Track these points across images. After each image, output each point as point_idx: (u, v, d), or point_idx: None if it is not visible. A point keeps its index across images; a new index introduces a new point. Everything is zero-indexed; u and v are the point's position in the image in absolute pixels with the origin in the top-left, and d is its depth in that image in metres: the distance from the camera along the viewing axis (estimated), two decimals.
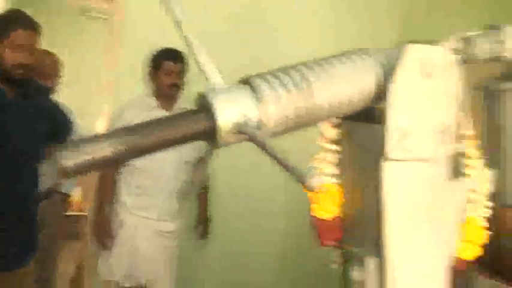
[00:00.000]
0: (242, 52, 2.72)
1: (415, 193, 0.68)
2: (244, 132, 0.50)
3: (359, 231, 0.72)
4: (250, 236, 2.87)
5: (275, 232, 2.92)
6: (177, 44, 1.54)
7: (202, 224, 2.51)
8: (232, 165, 2.59)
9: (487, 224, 0.74)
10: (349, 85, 0.60)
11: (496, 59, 0.88)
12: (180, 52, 2.19)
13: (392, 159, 0.64)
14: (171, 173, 2.24)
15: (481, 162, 0.73)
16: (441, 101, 0.67)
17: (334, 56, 0.62)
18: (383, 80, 0.63)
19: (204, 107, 0.54)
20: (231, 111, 0.52)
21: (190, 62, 2.16)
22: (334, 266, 0.80)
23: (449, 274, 0.75)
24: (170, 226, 2.39)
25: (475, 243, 0.75)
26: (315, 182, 0.43)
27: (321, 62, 0.60)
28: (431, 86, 0.65)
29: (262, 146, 0.48)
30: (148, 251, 2.33)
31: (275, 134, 0.54)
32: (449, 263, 0.75)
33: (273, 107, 0.53)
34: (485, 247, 0.79)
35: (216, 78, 0.55)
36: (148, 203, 2.28)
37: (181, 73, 2.24)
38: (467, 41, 0.80)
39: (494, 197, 0.93)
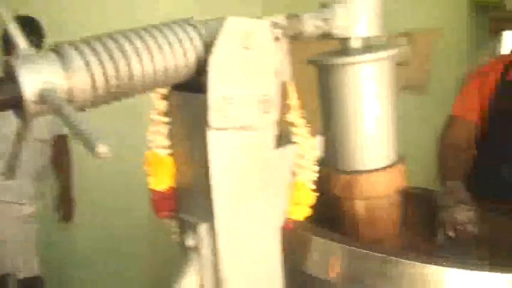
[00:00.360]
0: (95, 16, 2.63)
1: (240, 160, 0.71)
2: (48, 102, 0.48)
3: (191, 200, 0.74)
4: (118, 218, 2.80)
5: (144, 215, 2.89)
6: None
7: (64, 205, 2.41)
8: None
9: (314, 187, 0.80)
10: (168, 56, 0.60)
11: (326, 37, 0.94)
12: None
13: (215, 128, 0.66)
14: (25, 154, 2.11)
15: (307, 130, 0.78)
16: (262, 72, 0.70)
17: (155, 26, 0.62)
18: (204, 51, 0.64)
19: (10, 75, 0.51)
20: (35, 79, 0.49)
21: None
22: (175, 237, 0.81)
23: (281, 234, 0.81)
24: (30, 209, 2.28)
25: (305, 205, 0.81)
26: (102, 149, 0.42)
27: (140, 31, 0.60)
28: (251, 58, 0.68)
29: (65, 117, 0.47)
30: (9, 237, 2.21)
31: (86, 105, 0.53)
32: (281, 224, 0.81)
33: (82, 76, 0.52)
34: (318, 208, 0.85)
35: (24, 45, 0.52)
36: (5, 185, 2.15)
37: None
38: (295, 18, 0.85)
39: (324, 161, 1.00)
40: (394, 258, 0.78)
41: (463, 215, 1.27)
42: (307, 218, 0.84)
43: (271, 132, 0.75)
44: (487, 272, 0.78)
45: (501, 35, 3.12)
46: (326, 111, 0.97)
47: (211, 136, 0.66)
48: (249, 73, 0.69)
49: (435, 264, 0.78)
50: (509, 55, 1.78)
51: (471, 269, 0.78)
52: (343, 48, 0.93)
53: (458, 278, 0.78)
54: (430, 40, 3.08)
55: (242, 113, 0.69)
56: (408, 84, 3.21)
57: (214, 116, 0.65)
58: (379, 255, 0.80)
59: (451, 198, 1.35)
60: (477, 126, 1.77)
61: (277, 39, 0.78)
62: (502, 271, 0.78)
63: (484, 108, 1.76)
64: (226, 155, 0.70)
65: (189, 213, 0.73)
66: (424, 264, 0.77)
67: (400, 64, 3.11)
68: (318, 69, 0.96)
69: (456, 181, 1.47)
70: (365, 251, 0.81)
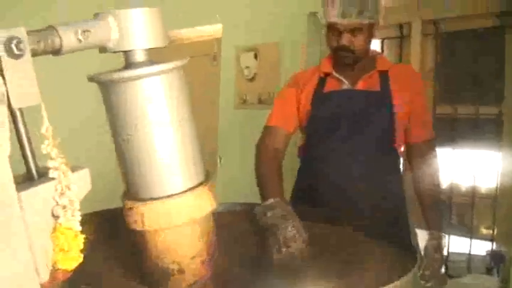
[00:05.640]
0: None
1: None
2: None
3: None
4: None
5: None
6: None
7: None
8: None
9: (80, 229, 0.65)
10: None
11: (103, 50, 0.81)
12: None
13: None
14: None
15: (63, 161, 0.63)
16: None
17: None
18: None
19: None
20: None
21: None
22: None
23: None
24: None
25: (73, 251, 0.65)
26: None
27: None
28: None
29: None
30: None
31: None
32: (46, 278, 0.65)
33: None
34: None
35: None
36: None
37: None
38: (50, 30, 0.70)
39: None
40: None
41: (290, 229, 1.22)
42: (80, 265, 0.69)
43: (6, 171, 0.59)
44: None
45: None
46: (113, 133, 0.83)
47: None
48: None
49: None
50: (323, 66, 1.77)
51: None
52: (125, 62, 0.81)
53: None
54: (276, 54, 3.11)
55: None
56: (261, 98, 3.22)
57: None
58: None
59: (274, 217, 1.29)
60: (291, 136, 1.76)
61: (16, 56, 0.63)
62: None
63: (302, 119, 1.74)
64: None
65: None
66: None
67: (250, 80, 3.09)
68: (100, 88, 0.82)
69: (276, 198, 1.40)
70: None
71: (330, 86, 1.72)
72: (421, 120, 1.71)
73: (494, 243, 2.42)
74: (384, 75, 1.69)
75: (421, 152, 1.70)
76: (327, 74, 1.74)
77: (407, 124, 1.68)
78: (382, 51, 2.98)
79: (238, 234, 1.33)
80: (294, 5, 3.05)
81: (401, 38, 2.90)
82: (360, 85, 1.69)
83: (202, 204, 0.84)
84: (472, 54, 2.64)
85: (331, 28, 1.62)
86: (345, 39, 1.61)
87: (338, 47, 1.64)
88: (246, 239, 1.30)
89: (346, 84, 1.71)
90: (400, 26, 2.90)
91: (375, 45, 3.05)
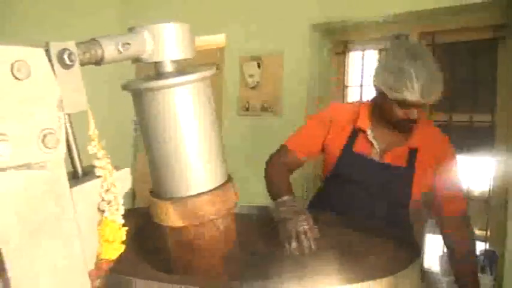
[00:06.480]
0: None
1: (28, 204, 0.61)
2: None
3: None
4: None
5: None
6: None
7: None
8: None
9: (123, 222, 0.71)
10: None
11: (137, 61, 0.88)
12: None
13: None
14: None
15: (109, 161, 0.70)
16: (39, 105, 0.61)
17: None
18: None
19: None
20: None
21: None
22: None
23: (94, 277, 0.71)
24: None
25: (116, 242, 0.72)
26: None
27: None
28: (24, 89, 0.59)
29: None
30: None
31: None
32: (91, 267, 0.71)
33: None
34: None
35: None
36: None
37: None
38: (93, 42, 0.77)
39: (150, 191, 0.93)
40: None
41: (302, 223, 1.27)
42: (123, 255, 0.75)
43: (62, 169, 0.65)
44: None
45: (345, 56, 3.30)
46: (144, 137, 0.90)
47: None
48: (23, 106, 0.59)
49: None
50: (361, 121, 1.77)
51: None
52: (156, 72, 0.88)
53: None
54: (280, 64, 3.18)
55: (20, 150, 0.59)
56: (264, 106, 3.29)
57: None
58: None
59: (287, 211, 1.35)
60: (303, 164, 1.81)
61: (67, 66, 0.70)
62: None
63: (325, 153, 1.79)
64: (10, 198, 0.59)
65: None
66: None
67: (253, 88, 3.18)
68: (132, 95, 0.89)
69: (288, 195, 1.47)
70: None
71: (360, 146, 1.74)
72: (451, 195, 1.73)
73: (488, 243, 2.49)
74: (413, 151, 1.71)
75: (454, 225, 1.73)
76: (362, 130, 1.75)
77: (430, 195, 1.72)
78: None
79: (253, 230, 1.39)
80: (296, 17, 3.12)
81: None
82: (388, 157, 1.71)
83: (226, 202, 0.90)
84: (466, 65, 2.73)
85: (401, 103, 1.62)
86: (416, 114, 1.63)
87: (404, 119, 1.66)
88: (259, 236, 1.35)
89: (375, 151, 1.72)
90: (397, 37, 2.98)
91: (373, 55, 3.14)
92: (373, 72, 1.71)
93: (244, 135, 3.29)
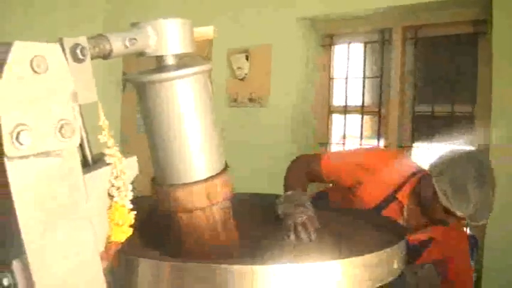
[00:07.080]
0: None
1: (47, 188, 0.65)
2: None
3: (2, 236, 0.66)
4: None
5: None
6: None
7: None
8: None
9: (132, 206, 0.76)
10: None
11: (141, 55, 0.91)
12: None
13: (12, 157, 0.60)
14: None
15: (118, 149, 0.74)
16: (56, 96, 0.64)
17: None
18: None
19: None
20: None
21: None
22: None
23: (105, 259, 0.76)
24: None
25: (125, 226, 0.76)
26: None
27: None
28: (43, 82, 0.63)
29: None
30: None
31: None
32: (101, 249, 0.75)
33: None
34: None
35: None
36: None
37: None
38: (102, 38, 0.81)
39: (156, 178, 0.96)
40: (214, 265, 0.77)
41: (300, 215, 1.31)
42: (131, 238, 0.80)
43: (76, 158, 0.69)
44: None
45: (331, 49, 3.35)
46: (147, 128, 0.94)
47: (10, 166, 0.59)
48: (42, 98, 0.63)
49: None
50: (401, 195, 1.79)
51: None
52: (158, 65, 0.92)
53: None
54: (268, 56, 3.22)
55: (39, 139, 0.63)
56: (251, 97, 3.33)
57: (8, 145, 0.58)
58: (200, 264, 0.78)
59: (289, 206, 1.39)
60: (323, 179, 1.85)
61: (80, 60, 0.74)
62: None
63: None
64: (30, 184, 0.63)
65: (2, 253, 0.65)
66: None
67: (241, 80, 3.21)
68: (136, 87, 0.92)
69: (296, 189, 1.52)
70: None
71: (391, 211, 1.74)
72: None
73: (469, 229, 2.58)
74: (429, 240, 1.78)
75: None
76: (398, 200, 1.77)
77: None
78: (365, 55, 3.12)
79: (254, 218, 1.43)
80: (284, 10, 3.16)
81: (382, 42, 3.05)
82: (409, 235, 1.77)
83: (222, 190, 0.94)
84: (448, 58, 2.81)
85: (448, 211, 1.63)
86: (454, 220, 1.68)
87: (441, 220, 1.70)
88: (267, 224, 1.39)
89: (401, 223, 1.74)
90: (381, 31, 3.05)
91: (358, 48, 3.20)
92: (436, 167, 1.69)
93: (233, 125, 3.33)
